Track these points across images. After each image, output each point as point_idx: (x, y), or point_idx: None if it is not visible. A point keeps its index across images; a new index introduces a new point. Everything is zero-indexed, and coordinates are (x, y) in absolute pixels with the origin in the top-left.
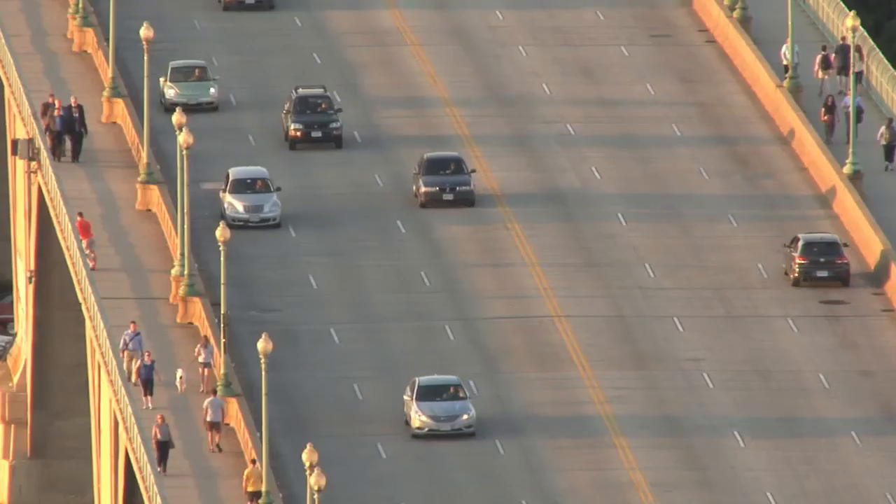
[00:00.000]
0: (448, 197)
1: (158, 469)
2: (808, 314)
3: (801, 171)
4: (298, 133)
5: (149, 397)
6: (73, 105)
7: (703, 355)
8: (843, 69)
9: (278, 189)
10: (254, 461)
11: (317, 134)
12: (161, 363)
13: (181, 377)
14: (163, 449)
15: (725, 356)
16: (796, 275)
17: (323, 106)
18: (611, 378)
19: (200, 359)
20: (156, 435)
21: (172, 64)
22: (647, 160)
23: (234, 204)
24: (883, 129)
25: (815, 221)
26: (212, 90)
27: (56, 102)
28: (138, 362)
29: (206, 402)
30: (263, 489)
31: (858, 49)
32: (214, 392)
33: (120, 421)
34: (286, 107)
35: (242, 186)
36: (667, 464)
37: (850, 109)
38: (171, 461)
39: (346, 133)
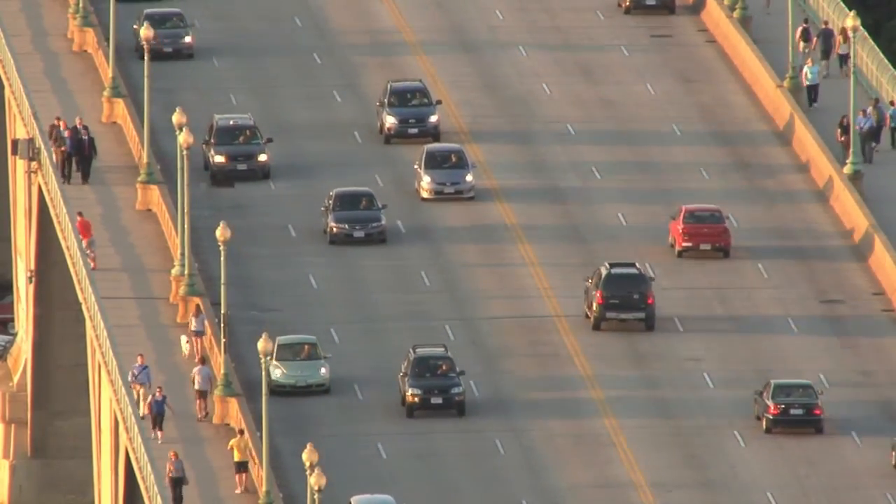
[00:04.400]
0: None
1: None
2: (808, 313)
3: (801, 171)
4: (416, 398)
5: (160, 432)
6: (79, 126)
7: (703, 355)
8: (826, 53)
9: None
10: (241, 432)
11: (437, 400)
12: (161, 363)
13: (186, 344)
14: (176, 486)
15: (725, 356)
16: (627, 4)
17: (444, 367)
18: (611, 378)
19: (192, 327)
20: (169, 472)
21: (280, 340)
22: (647, 160)
23: None
24: (870, 108)
25: (816, 221)
26: (322, 370)
27: (61, 124)
28: (149, 397)
29: (194, 371)
30: (263, 489)
31: (843, 32)
32: (203, 361)
33: (120, 421)
34: (403, 368)
35: None
36: (667, 464)
37: (850, 102)
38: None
39: (468, 397)
